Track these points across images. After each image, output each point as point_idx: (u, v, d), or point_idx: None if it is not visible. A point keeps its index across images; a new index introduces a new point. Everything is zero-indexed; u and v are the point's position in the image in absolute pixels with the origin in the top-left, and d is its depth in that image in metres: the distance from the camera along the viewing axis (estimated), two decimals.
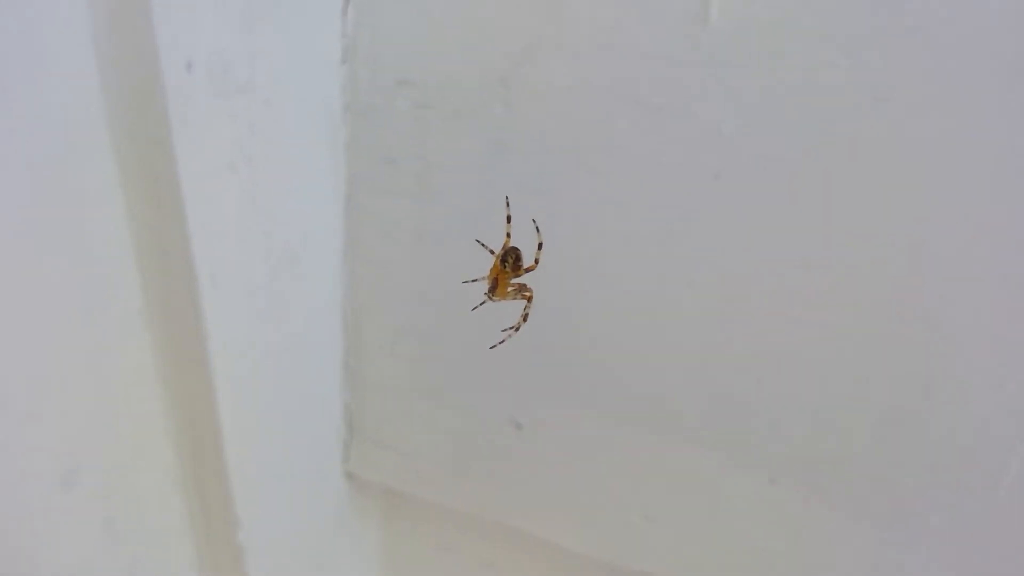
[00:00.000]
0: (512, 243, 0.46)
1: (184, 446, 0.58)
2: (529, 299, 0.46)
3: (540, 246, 0.45)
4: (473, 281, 0.46)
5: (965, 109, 0.46)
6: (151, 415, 0.56)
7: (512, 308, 0.49)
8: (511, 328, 0.47)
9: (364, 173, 0.62)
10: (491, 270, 0.46)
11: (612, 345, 0.59)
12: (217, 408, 0.56)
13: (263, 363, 0.60)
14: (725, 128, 0.51)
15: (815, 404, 0.55)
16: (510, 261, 0.45)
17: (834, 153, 0.49)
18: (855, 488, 0.56)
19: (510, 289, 0.46)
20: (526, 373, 0.63)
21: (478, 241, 0.45)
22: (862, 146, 0.49)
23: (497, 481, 0.68)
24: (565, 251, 0.52)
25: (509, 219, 0.45)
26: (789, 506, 0.58)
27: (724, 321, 0.56)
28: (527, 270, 0.46)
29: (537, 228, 0.45)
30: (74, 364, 0.51)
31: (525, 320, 0.47)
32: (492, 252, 0.45)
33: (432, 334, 0.66)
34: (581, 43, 0.53)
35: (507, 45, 0.55)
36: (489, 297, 0.46)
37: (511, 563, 0.74)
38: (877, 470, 0.55)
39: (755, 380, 0.57)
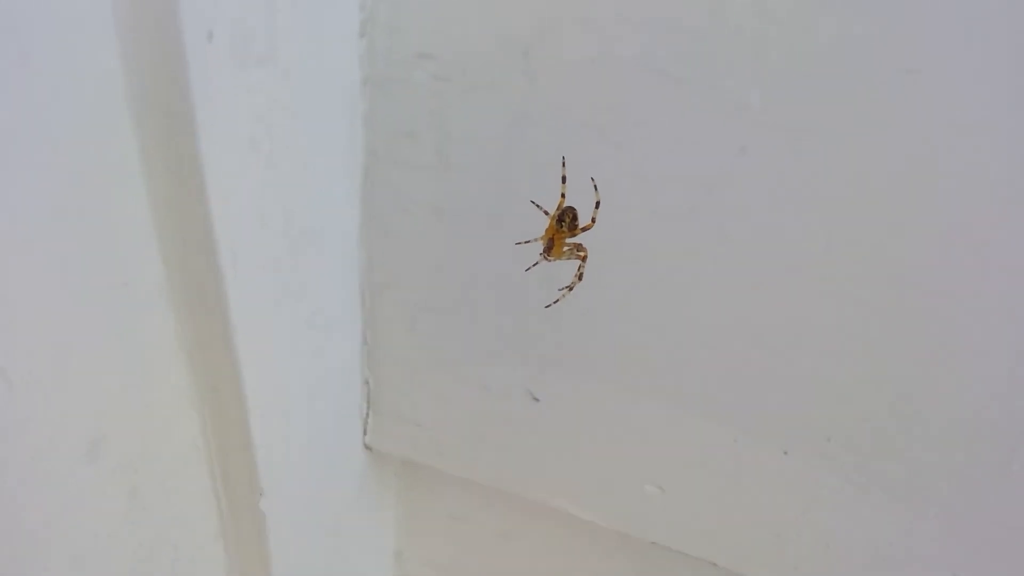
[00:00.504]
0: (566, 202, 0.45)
1: (208, 417, 0.59)
2: (584, 258, 0.46)
3: (597, 204, 0.45)
4: (527, 243, 0.45)
5: (997, 83, 0.45)
6: (176, 386, 0.57)
7: (556, 268, 0.48)
8: (566, 287, 0.47)
9: (383, 147, 0.62)
10: (547, 230, 0.45)
11: (629, 318, 0.59)
12: (241, 380, 0.56)
13: (284, 337, 0.60)
14: (751, 101, 0.50)
15: (830, 376, 0.56)
16: (567, 220, 0.45)
17: (863, 126, 0.49)
18: (868, 459, 0.57)
19: (566, 249, 0.46)
20: (543, 346, 0.63)
21: (533, 202, 0.45)
22: (891, 119, 0.48)
23: (513, 452, 0.68)
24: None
25: (564, 179, 0.44)
26: (802, 477, 0.59)
27: (743, 295, 0.55)
28: (583, 229, 0.45)
29: (595, 187, 0.44)
30: (98, 337, 0.51)
31: (580, 279, 0.47)
32: (547, 213, 0.45)
33: (450, 308, 0.66)
34: (604, 14, 0.52)
35: (529, 17, 0.54)
36: (545, 257, 0.45)
37: (526, 533, 0.75)
38: (890, 441, 0.55)
39: (771, 353, 0.57)
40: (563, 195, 0.44)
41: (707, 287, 0.56)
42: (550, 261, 0.45)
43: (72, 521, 0.52)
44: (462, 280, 0.65)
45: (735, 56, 0.50)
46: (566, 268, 0.51)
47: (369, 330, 0.69)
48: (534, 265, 0.45)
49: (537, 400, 0.65)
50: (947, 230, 0.50)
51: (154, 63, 0.47)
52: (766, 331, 0.56)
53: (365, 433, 0.73)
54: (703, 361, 0.58)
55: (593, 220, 0.45)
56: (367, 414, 0.73)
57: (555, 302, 0.47)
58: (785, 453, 0.58)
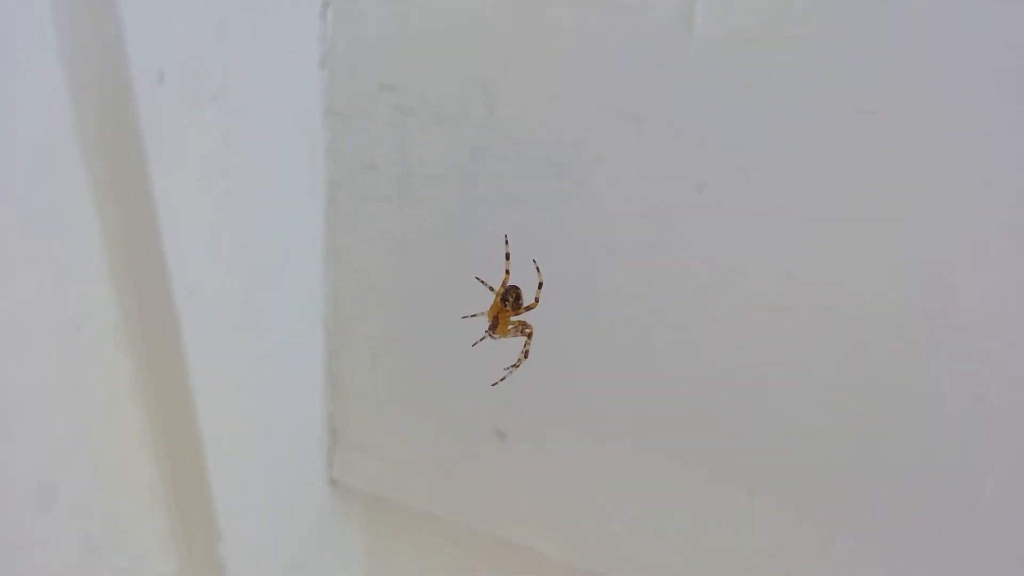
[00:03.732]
0: (511, 279, 0.45)
1: (164, 459, 0.58)
2: (529, 335, 0.46)
3: (540, 285, 0.45)
4: (472, 316, 0.45)
5: (948, 124, 0.46)
6: (130, 429, 0.56)
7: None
8: (512, 366, 0.47)
9: (345, 179, 0.61)
10: (491, 308, 0.45)
11: (594, 356, 0.59)
12: (197, 421, 0.55)
13: (243, 375, 0.59)
14: (708, 139, 0.50)
15: (795, 416, 0.56)
16: (511, 300, 0.45)
17: (817, 165, 0.49)
18: (834, 500, 0.57)
19: (510, 327, 0.46)
20: (509, 382, 0.63)
21: (478, 279, 0.45)
22: (844, 159, 0.48)
23: (480, 489, 0.67)
24: (546, 261, 0.52)
25: (508, 256, 0.44)
26: (768, 517, 0.59)
27: (705, 333, 0.55)
28: (527, 308, 0.45)
29: (538, 268, 0.44)
30: (51, 381, 0.50)
31: (526, 356, 0.47)
32: (492, 290, 0.44)
33: (415, 342, 0.65)
34: (563, 50, 0.52)
35: (489, 51, 0.54)
36: (490, 335, 0.45)
37: (493, 570, 0.74)
38: (856, 482, 0.56)
39: (735, 392, 0.56)
40: (507, 272, 0.44)
41: (668, 325, 0.56)
42: (495, 339, 0.45)
43: (22, 569, 0.51)
44: (426, 312, 0.64)
45: (691, 95, 0.50)
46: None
47: (333, 363, 0.68)
48: (480, 340, 0.45)
49: (503, 436, 0.64)
50: (904, 267, 0.50)
51: (104, 105, 0.46)
52: (729, 369, 0.56)
53: (330, 467, 0.72)
54: (668, 400, 0.58)
55: (536, 300, 0.45)
56: (332, 448, 0.72)
57: (501, 380, 0.47)
58: (752, 492, 0.58)
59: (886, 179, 0.48)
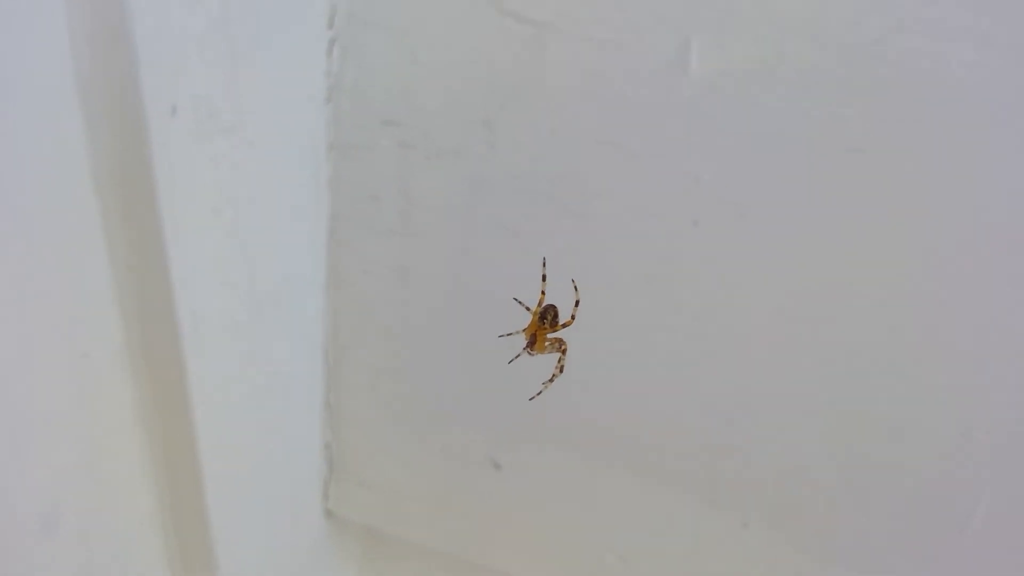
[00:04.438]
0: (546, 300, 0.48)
1: (164, 487, 0.58)
2: (564, 351, 0.49)
3: (577, 303, 0.47)
4: (508, 335, 0.48)
5: (938, 163, 0.48)
6: (131, 457, 0.56)
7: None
8: (548, 380, 0.49)
9: (347, 211, 0.62)
10: (529, 326, 0.48)
11: (590, 388, 0.60)
12: (197, 449, 0.56)
13: (244, 403, 0.59)
14: (703, 175, 0.52)
15: (787, 448, 0.57)
16: (548, 318, 0.47)
17: (809, 202, 0.51)
18: (826, 531, 0.57)
19: (548, 344, 0.48)
20: (505, 413, 0.63)
21: (516, 300, 0.47)
22: (835, 196, 0.50)
23: (476, 521, 0.68)
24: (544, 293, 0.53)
25: (544, 278, 0.47)
26: (761, 549, 0.59)
27: (700, 366, 0.57)
28: (564, 325, 0.48)
29: (576, 287, 0.47)
30: (59, 407, 0.50)
31: (561, 371, 0.49)
32: (529, 309, 0.47)
33: (413, 372, 0.66)
34: (563, 88, 0.54)
35: (490, 87, 0.55)
36: (528, 352, 0.48)
37: None
38: (847, 513, 0.56)
39: (729, 424, 0.57)
40: (543, 292, 0.47)
41: (663, 357, 0.57)
42: (532, 355, 0.47)
43: None
44: (425, 344, 0.65)
45: (686, 132, 0.51)
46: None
47: (332, 392, 0.69)
48: (516, 357, 0.47)
49: (499, 467, 0.65)
50: (894, 303, 0.51)
51: (117, 136, 0.47)
52: (723, 402, 0.57)
53: (326, 498, 0.72)
54: (663, 431, 0.59)
55: (573, 317, 0.47)
56: (328, 478, 0.72)
57: (538, 394, 0.49)
58: (745, 525, 0.59)
59: (876, 216, 0.50)
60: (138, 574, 0.58)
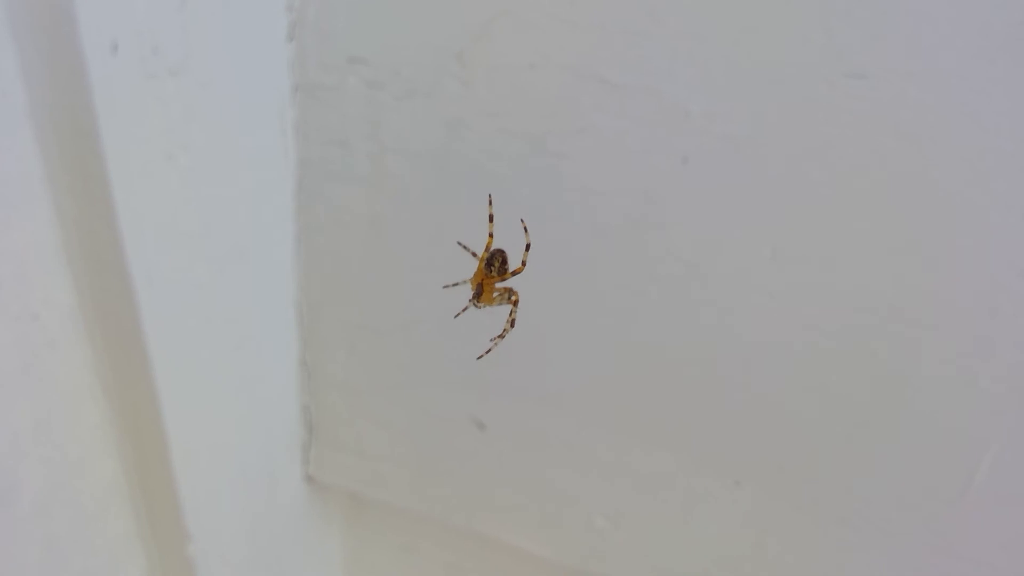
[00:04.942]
0: (494, 244, 0.43)
1: (128, 457, 0.55)
2: (515, 303, 0.43)
3: (528, 247, 0.42)
4: (454, 285, 0.42)
5: (944, 88, 0.44)
6: (91, 423, 0.53)
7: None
8: (498, 336, 0.44)
9: (315, 158, 0.58)
10: (475, 275, 0.42)
11: (574, 341, 0.57)
12: (161, 415, 0.52)
13: (211, 364, 0.56)
14: (692, 108, 0.48)
15: (781, 405, 0.54)
16: (496, 265, 0.42)
17: (806, 134, 0.47)
18: (820, 490, 0.55)
19: (495, 295, 0.43)
20: (489, 371, 0.60)
21: (460, 244, 0.42)
22: (835, 127, 0.46)
23: (460, 484, 0.65)
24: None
25: (491, 218, 0.41)
26: (754, 508, 0.57)
27: (690, 317, 0.53)
28: (513, 273, 0.42)
29: (525, 228, 0.41)
30: (9, 371, 0.47)
31: (512, 326, 0.44)
32: (475, 255, 0.42)
33: (392, 328, 0.63)
34: (541, 17, 0.50)
35: (464, 19, 0.51)
36: (474, 304, 0.42)
37: (475, 567, 0.72)
38: (843, 472, 0.54)
39: (720, 380, 0.55)
40: (491, 235, 0.41)
41: (652, 307, 0.54)
42: (480, 308, 0.42)
43: None
44: (403, 297, 0.62)
45: (675, 62, 0.48)
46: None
47: (308, 352, 0.66)
48: (463, 311, 0.42)
49: (483, 427, 0.62)
50: (896, 245, 0.48)
51: (54, 75, 0.43)
52: (714, 355, 0.54)
53: (306, 463, 0.70)
54: (652, 387, 0.56)
55: (523, 263, 0.42)
56: (308, 442, 0.69)
57: (487, 352, 0.44)
58: (737, 483, 0.56)
59: (879, 150, 0.46)
60: (105, 547, 0.56)
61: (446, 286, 0.43)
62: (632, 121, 0.50)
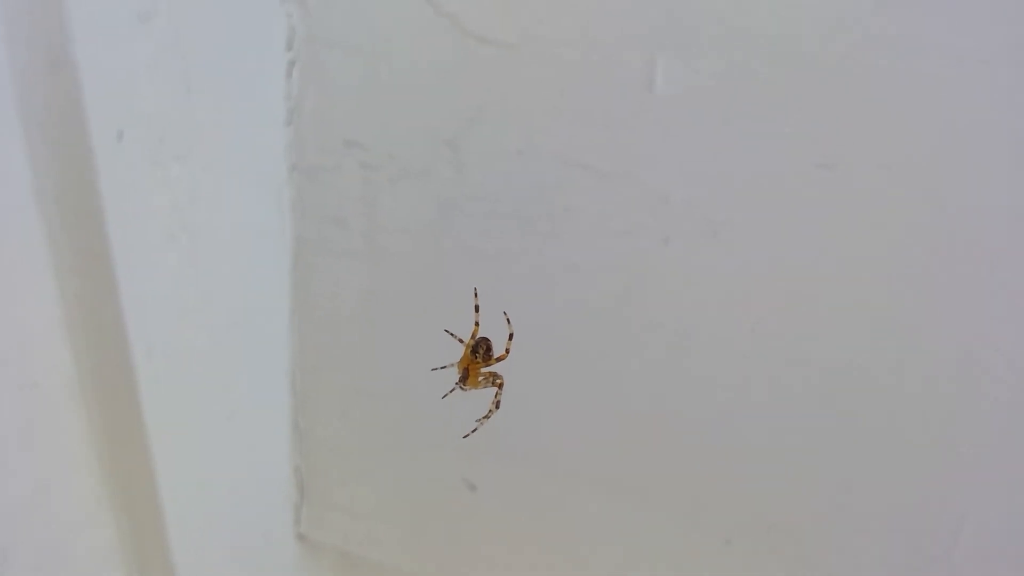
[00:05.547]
0: (480, 331, 0.46)
1: (123, 521, 0.56)
2: (500, 386, 0.46)
3: (511, 337, 0.45)
4: (442, 368, 0.45)
5: (908, 176, 0.46)
6: (87, 491, 0.54)
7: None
8: (483, 417, 0.47)
9: (311, 235, 0.61)
10: (461, 360, 0.45)
11: (564, 407, 0.58)
12: (156, 480, 0.54)
13: (205, 433, 0.58)
14: (672, 193, 0.51)
15: (770, 467, 0.55)
16: (481, 351, 0.45)
17: (780, 218, 0.49)
18: (809, 551, 0.56)
19: (481, 379, 0.46)
20: (479, 434, 0.62)
21: (447, 331, 0.45)
22: (807, 212, 0.49)
23: (451, 543, 0.66)
24: (514, 314, 0.52)
25: (477, 308, 0.45)
26: (744, 567, 0.58)
27: (677, 385, 0.55)
28: (498, 359, 0.45)
29: (508, 320, 0.44)
30: (7, 439, 0.48)
31: (497, 407, 0.47)
32: (462, 342, 0.44)
33: (383, 394, 0.64)
34: (529, 108, 0.52)
35: (455, 108, 0.54)
36: (460, 387, 0.45)
37: None
38: (831, 533, 0.55)
39: (708, 441, 0.56)
40: (477, 324, 0.44)
41: (638, 376, 0.56)
42: (466, 390, 0.45)
43: None
44: (394, 365, 0.63)
45: (654, 150, 0.50)
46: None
47: (300, 415, 0.67)
48: (450, 392, 0.45)
49: (474, 488, 0.64)
50: (871, 316, 0.50)
51: (61, 161, 0.46)
52: (701, 420, 0.55)
53: (297, 522, 0.71)
54: (641, 449, 0.58)
55: (507, 351, 0.45)
56: (299, 502, 0.70)
57: (473, 431, 0.46)
58: (727, 543, 0.58)
59: (849, 230, 0.49)
60: None
61: (434, 369, 0.45)
62: (615, 206, 0.52)
